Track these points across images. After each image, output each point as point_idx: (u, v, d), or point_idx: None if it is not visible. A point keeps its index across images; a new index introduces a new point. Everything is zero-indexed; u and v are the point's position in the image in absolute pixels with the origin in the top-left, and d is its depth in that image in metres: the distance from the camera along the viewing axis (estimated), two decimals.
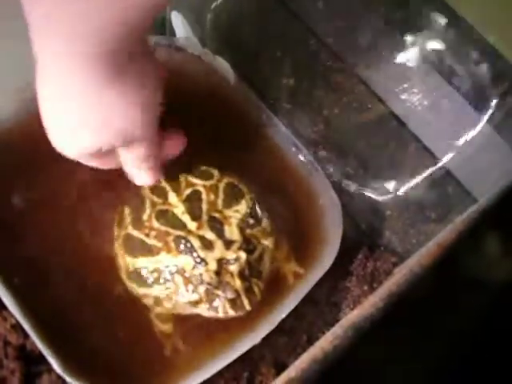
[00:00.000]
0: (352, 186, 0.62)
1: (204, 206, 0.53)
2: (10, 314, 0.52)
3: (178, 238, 0.51)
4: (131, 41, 0.41)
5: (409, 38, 0.58)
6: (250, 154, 0.61)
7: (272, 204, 0.57)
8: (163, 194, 0.55)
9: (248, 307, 0.49)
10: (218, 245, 0.51)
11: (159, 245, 0.52)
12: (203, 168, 0.57)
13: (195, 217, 0.53)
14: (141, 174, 0.52)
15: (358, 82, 0.61)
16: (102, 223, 0.56)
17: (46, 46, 0.41)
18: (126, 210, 0.55)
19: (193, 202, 0.54)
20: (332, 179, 0.61)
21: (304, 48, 0.62)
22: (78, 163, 0.57)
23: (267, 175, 0.60)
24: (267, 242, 0.54)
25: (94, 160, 0.51)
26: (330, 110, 0.62)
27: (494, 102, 0.54)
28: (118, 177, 0.54)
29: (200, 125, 0.60)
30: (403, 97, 0.59)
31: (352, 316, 0.46)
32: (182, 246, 0.51)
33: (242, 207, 0.54)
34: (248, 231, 0.53)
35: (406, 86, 0.58)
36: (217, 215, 0.53)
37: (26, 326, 0.50)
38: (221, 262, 0.50)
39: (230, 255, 0.50)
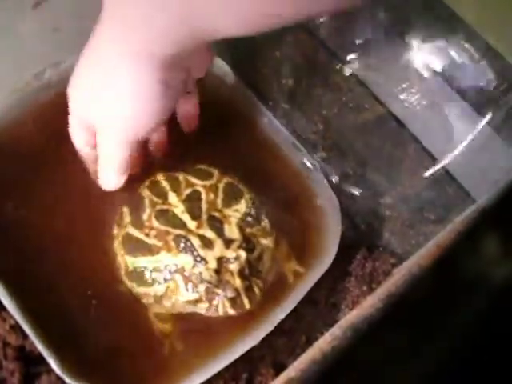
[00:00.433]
0: (351, 187, 0.62)
1: (204, 206, 0.54)
2: (9, 315, 0.51)
3: (177, 237, 0.51)
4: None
5: (408, 39, 0.58)
6: (248, 154, 0.61)
7: (271, 204, 0.57)
8: (163, 194, 0.55)
9: (248, 306, 0.49)
10: (218, 244, 0.51)
11: (159, 244, 0.52)
12: (203, 168, 0.57)
13: (195, 216, 0.53)
14: (106, 176, 0.55)
15: (357, 82, 0.61)
16: (102, 223, 0.56)
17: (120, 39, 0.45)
18: (126, 210, 0.55)
19: (192, 202, 0.54)
20: (331, 179, 0.61)
21: (303, 48, 0.63)
22: (76, 164, 0.57)
23: (266, 175, 0.61)
24: (267, 241, 0.54)
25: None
26: (329, 111, 0.62)
27: (493, 103, 0.54)
28: None
29: (199, 126, 0.60)
30: (402, 97, 0.59)
31: (351, 317, 0.46)
32: (181, 245, 0.51)
33: (242, 206, 0.54)
34: (248, 230, 0.53)
35: (404, 86, 0.59)
36: (216, 214, 0.53)
37: (25, 327, 0.50)
38: (221, 261, 0.50)
39: (230, 254, 0.50)
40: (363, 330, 0.37)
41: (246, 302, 0.49)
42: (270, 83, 0.64)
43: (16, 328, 0.52)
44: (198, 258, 0.50)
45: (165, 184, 0.55)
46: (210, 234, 0.51)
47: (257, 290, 0.50)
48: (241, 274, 0.50)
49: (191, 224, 0.52)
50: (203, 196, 0.54)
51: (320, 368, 0.40)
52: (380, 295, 0.43)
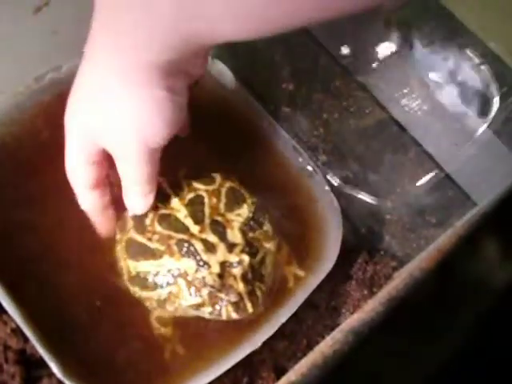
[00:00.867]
0: (352, 191, 0.62)
1: (206, 210, 0.54)
2: (10, 318, 0.51)
3: (180, 242, 0.51)
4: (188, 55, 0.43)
5: (409, 44, 0.58)
6: (250, 159, 0.61)
7: (273, 208, 0.57)
8: (165, 199, 0.55)
9: (251, 310, 0.49)
10: (221, 248, 0.51)
11: (162, 248, 0.52)
12: (205, 173, 0.57)
13: (198, 220, 0.53)
14: (136, 199, 0.52)
15: (358, 86, 0.61)
16: None
17: (111, 45, 0.43)
18: (128, 215, 0.55)
19: (195, 206, 0.54)
20: (332, 183, 0.61)
21: (303, 52, 0.63)
22: None
23: (268, 179, 0.61)
24: (269, 246, 0.54)
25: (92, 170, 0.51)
26: (329, 115, 0.62)
27: (494, 107, 0.54)
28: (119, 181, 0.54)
29: (200, 130, 0.60)
30: (403, 102, 0.59)
31: (352, 320, 0.46)
32: (184, 250, 0.51)
33: (244, 211, 0.54)
34: (250, 235, 0.53)
35: (405, 91, 0.59)
36: (219, 219, 0.53)
37: (26, 331, 0.50)
38: (224, 265, 0.50)
39: (233, 258, 0.50)
40: (364, 333, 0.37)
41: (249, 306, 0.49)
42: (271, 87, 0.64)
43: (17, 331, 0.52)
44: (201, 263, 0.50)
45: (167, 188, 0.55)
46: (212, 238, 0.51)
47: (259, 294, 0.50)
48: (244, 278, 0.50)
49: (194, 228, 0.52)
50: (206, 200, 0.54)
51: (321, 372, 0.40)
52: (381, 299, 0.43)
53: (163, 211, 0.54)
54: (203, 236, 0.51)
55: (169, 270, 0.51)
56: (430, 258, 0.41)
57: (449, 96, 0.57)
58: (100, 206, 0.54)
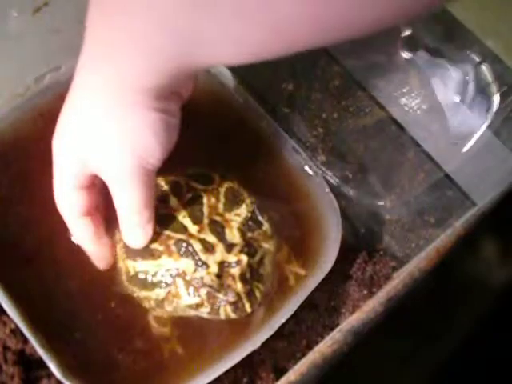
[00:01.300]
0: (351, 191, 0.62)
1: (205, 210, 0.54)
2: (10, 319, 0.51)
3: (179, 242, 0.51)
4: (180, 80, 0.43)
5: (408, 43, 0.58)
6: (249, 159, 0.61)
7: (272, 208, 0.57)
8: (164, 198, 0.55)
9: (249, 310, 0.49)
10: (220, 248, 0.51)
11: (160, 248, 0.52)
12: (203, 172, 0.57)
13: (196, 220, 0.53)
14: (134, 230, 0.51)
15: (357, 86, 0.61)
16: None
17: (103, 69, 0.42)
18: None
19: (194, 206, 0.54)
20: (331, 183, 0.61)
21: (303, 52, 0.63)
22: None
23: (266, 179, 0.60)
24: (268, 246, 0.54)
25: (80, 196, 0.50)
26: (329, 115, 0.62)
27: (493, 107, 0.54)
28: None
29: (199, 130, 0.60)
30: (402, 101, 0.59)
31: (351, 320, 0.46)
32: (183, 250, 0.51)
33: (243, 211, 0.54)
34: (249, 234, 0.53)
35: (404, 90, 0.59)
36: (218, 218, 0.53)
37: (26, 331, 0.50)
38: (222, 265, 0.50)
39: (232, 258, 0.50)
40: (364, 333, 0.37)
41: (247, 306, 0.49)
42: (270, 87, 0.64)
43: (16, 332, 0.52)
44: (200, 263, 0.50)
45: (166, 188, 0.55)
46: (211, 238, 0.51)
47: (258, 294, 0.50)
48: (242, 278, 0.50)
49: (192, 228, 0.52)
50: (204, 200, 0.54)
51: (320, 372, 0.40)
52: (380, 299, 0.43)
53: (162, 211, 0.54)
54: (202, 236, 0.51)
55: (167, 270, 0.51)
56: (428, 259, 0.41)
57: (448, 95, 0.57)
58: (94, 235, 0.52)
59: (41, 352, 0.49)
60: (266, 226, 0.55)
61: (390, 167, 0.60)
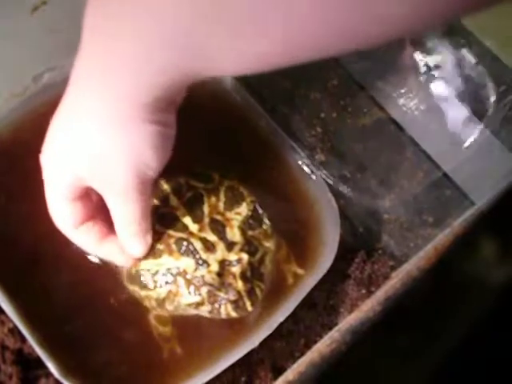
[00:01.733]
0: (349, 190, 0.62)
1: (205, 209, 0.54)
2: (8, 318, 0.51)
3: (179, 240, 0.51)
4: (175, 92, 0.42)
5: (407, 44, 0.58)
6: (248, 158, 0.61)
7: (271, 206, 0.57)
8: (164, 197, 0.55)
9: (250, 309, 0.49)
10: (220, 246, 0.51)
11: (161, 247, 0.52)
12: (203, 171, 0.57)
13: (197, 219, 0.53)
14: (133, 240, 0.50)
15: (356, 86, 0.61)
16: None
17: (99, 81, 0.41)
18: None
19: (194, 205, 0.54)
20: (329, 183, 0.61)
21: None
22: None
23: (265, 178, 0.60)
24: (268, 244, 0.54)
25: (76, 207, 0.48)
26: (327, 114, 0.62)
27: (491, 106, 0.54)
28: None
29: (198, 129, 0.60)
30: (401, 101, 0.59)
31: (350, 320, 0.46)
32: (183, 248, 0.51)
33: (243, 210, 0.54)
34: (249, 233, 0.53)
35: (403, 91, 0.59)
36: (218, 217, 0.53)
37: (24, 330, 0.50)
38: (223, 264, 0.50)
39: (232, 257, 0.50)
40: (362, 332, 0.37)
41: (248, 304, 0.49)
42: (269, 86, 0.64)
43: (14, 331, 0.52)
44: (200, 261, 0.50)
45: (166, 187, 0.55)
46: (211, 237, 0.51)
47: (259, 293, 0.51)
48: (243, 276, 0.50)
49: (193, 227, 0.52)
50: (205, 199, 0.54)
51: (318, 371, 0.40)
52: (379, 298, 0.43)
53: (162, 210, 0.54)
54: (202, 235, 0.52)
55: (168, 269, 0.51)
56: (427, 258, 0.41)
57: (446, 96, 0.57)
58: (97, 240, 0.51)
59: (39, 351, 0.49)
60: (266, 224, 0.55)
61: (389, 167, 0.60)
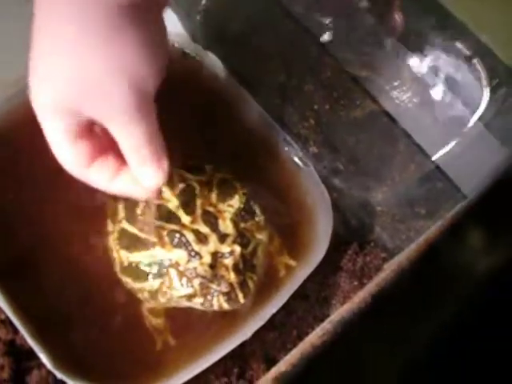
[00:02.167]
0: (342, 182, 0.62)
1: (198, 201, 0.54)
2: (0, 310, 0.51)
3: (172, 232, 0.51)
4: None
5: (401, 36, 0.58)
6: (240, 150, 0.61)
7: (264, 199, 0.57)
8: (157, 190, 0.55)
9: (242, 300, 0.50)
10: (213, 238, 0.51)
11: (154, 239, 0.52)
12: (196, 164, 0.57)
13: (189, 211, 0.53)
14: (146, 168, 0.45)
15: (349, 78, 0.61)
16: (96, 218, 0.56)
17: None
18: (120, 206, 0.55)
19: (187, 197, 0.54)
20: (322, 175, 0.61)
21: (294, 44, 0.63)
22: None
23: (258, 170, 0.60)
24: (261, 236, 0.54)
25: (83, 144, 0.45)
26: (320, 106, 0.62)
27: (484, 100, 0.55)
28: None
29: (191, 121, 0.60)
30: (394, 94, 0.59)
31: (341, 311, 0.46)
32: (176, 240, 0.51)
33: (236, 202, 0.54)
34: (242, 225, 0.53)
35: (396, 83, 0.59)
36: (211, 209, 0.53)
37: (16, 322, 0.50)
38: (215, 256, 0.50)
39: (225, 249, 0.50)
40: (353, 324, 0.37)
41: (240, 296, 0.50)
42: (262, 78, 0.64)
43: (6, 322, 0.52)
44: (193, 253, 0.50)
45: None
46: (204, 229, 0.51)
47: (251, 285, 0.51)
48: (235, 268, 0.50)
49: (185, 219, 0.52)
50: (197, 191, 0.54)
51: (310, 362, 0.40)
52: (370, 289, 0.43)
53: (155, 202, 0.54)
54: (195, 227, 0.52)
55: (160, 261, 0.51)
56: (418, 250, 0.41)
57: (439, 88, 0.57)
58: (112, 175, 0.47)
59: (31, 342, 0.49)
60: (258, 216, 0.55)
61: (381, 159, 0.60)
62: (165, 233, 0.52)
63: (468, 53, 0.55)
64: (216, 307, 0.50)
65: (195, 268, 0.50)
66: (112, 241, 0.54)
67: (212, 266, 0.50)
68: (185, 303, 0.51)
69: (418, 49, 0.57)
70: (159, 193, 0.47)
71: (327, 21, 0.60)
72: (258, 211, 0.55)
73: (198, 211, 0.53)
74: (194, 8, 0.66)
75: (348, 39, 0.61)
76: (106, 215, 0.56)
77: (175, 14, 0.67)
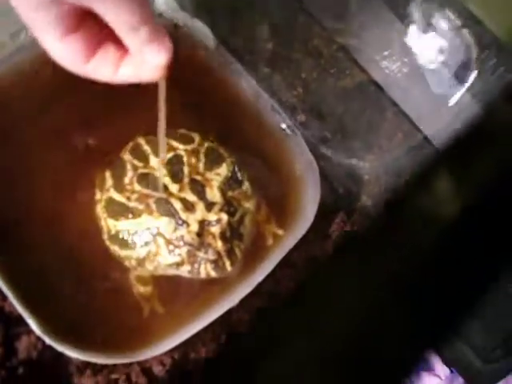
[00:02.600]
0: (330, 151, 0.62)
1: (185, 169, 0.54)
2: None
3: (159, 200, 0.51)
4: None
5: (390, 7, 0.57)
6: (229, 118, 0.61)
7: (252, 167, 0.57)
8: (144, 158, 0.55)
9: (229, 268, 0.50)
10: (200, 207, 0.51)
11: (141, 207, 0.52)
12: (184, 132, 0.57)
13: (177, 179, 0.53)
14: (148, 46, 0.42)
15: (338, 47, 0.61)
16: (85, 187, 0.56)
17: None
18: (108, 174, 0.55)
19: (174, 165, 0.54)
20: (310, 143, 0.61)
21: (283, 12, 0.62)
22: (55, 126, 0.56)
23: (246, 139, 0.60)
24: (248, 205, 0.54)
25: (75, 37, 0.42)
26: (308, 75, 0.62)
27: (473, 71, 0.55)
28: (99, 139, 0.54)
29: (179, 89, 0.60)
30: (383, 64, 0.59)
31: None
32: (163, 208, 0.51)
33: (223, 170, 0.54)
34: (229, 194, 0.53)
35: (386, 53, 0.59)
36: (198, 178, 0.53)
37: (4, 288, 0.50)
38: (202, 224, 0.50)
39: (212, 217, 0.50)
40: (324, 263, 0.36)
41: (227, 264, 0.50)
42: (250, 46, 0.64)
43: None
44: (180, 221, 0.50)
45: (146, 148, 0.55)
46: (191, 197, 0.51)
47: (238, 253, 0.51)
48: (222, 236, 0.50)
49: (173, 187, 0.52)
50: (185, 160, 0.54)
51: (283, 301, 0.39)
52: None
53: (142, 170, 0.54)
54: (182, 195, 0.52)
55: (147, 229, 0.51)
56: (385, 200, 0.41)
57: (429, 59, 0.57)
58: (115, 63, 0.44)
59: (20, 309, 0.49)
60: (246, 185, 0.55)
61: (369, 128, 0.61)
62: (152, 201, 0.52)
63: (458, 23, 0.55)
64: (203, 275, 0.50)
65: (182, 236, 0.50)
66: (100, 209, 0.54)
67: (199, 234, 0.50)
68: (172, 271, 0.52)
69: (408, 19, 0.57)
70: (167, 69, 0.44)
71: None
72: (245, 180, 0.55)
73: (186, 180, 0.53)
74: None
75: (338, 8, 0.60)
76: (95, 185, 0.56)
77: None
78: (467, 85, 0.55)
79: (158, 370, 0.53)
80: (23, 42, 0.59)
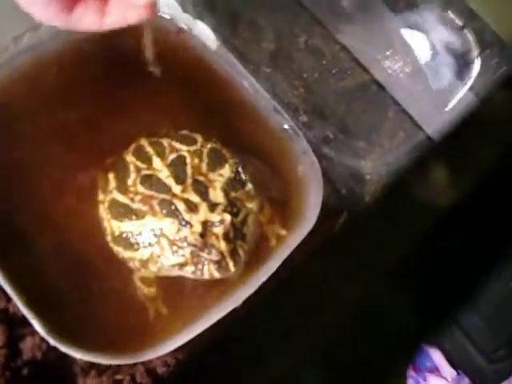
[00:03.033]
0: (332, 151, 0.62)
1: (188, 170, 0.54)
2: None
3: (162, 202, 0.51)
4: None
5: (392, 7, 0.57)
6: (231, 119, 0.61)
7: (254, 168, 0.57)
8: (147, 159, 0.55)
9: (233, 269, 0.50)
10: (203, 207, 0.51)
11: (144, 209, 0.52)
12: (187, 133, 0.57)
13: (180, 180, 0.53)
14: None
15: (340, 47, 0.61)
16: (88, 189, 0.56)
17: None
18: (111, 176, 0.55)
19: (177, 166, 0.54)
20: (312, 144, 0.61)
21: (285, 12, 0.62)
22: (58, 128, 0.56)
23: (249, 140, 0.60)
24: (251, 205, 0.54)
25: None
26: (310, 75, 0.62)
27: (475, 70, 0.55)
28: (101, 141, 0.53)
29: (182, 90, 0.60)
30: (385, 64, 0.59)
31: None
32: (166, 210, 0.51)
33: (226, 171, 0.54)
34: (232, 194, 0.53)
35: (388, 53, 0.59)
36: (201, 179, 0.53)
37: (8, 290, 0.50)
38: (205, 225, 0.50)
39: (215, 217, 0.51)
40: (321, 250, 0.36)
41: (231, 264, 0.50)
42: (252, 47, 0.64)
43: None
44: (183, 222, 0.50)
45: (149, 149, 0.55)
46: (194, 198, 0.52)
47: (241, 253, 0.51)
48: (226, 237, 0.50)
49: (176, 188, 0.52)
50: (188, 161, 0.54)
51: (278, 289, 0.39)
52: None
53: (145, 172, 0.54)
54: (185, 196, 0.52)
55: (151, 230, 0.51)
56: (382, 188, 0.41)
57: (431, 59, 0.57)
58: (100, 13, 0.43)
59: (24, 310, 0.49)
60: (249, 186, 0.55)
61: (371, 127, 0.61)
62: (155, 202, 0.52)
63: (460, 23, 0.55)
64: (207, 275, 0.50)
65: (186, 237, 0.50)
66: (103, 210, 0.54)
67: (202, 235, 0.50)
68: (176, 272, 0.52)
69: (410, 19, 0.57)
70: (155, 6, 0.43)
71: None
72: (248, 180, 0.55)
73: (189, 180, 0.53)
74: None
75: (340, 8, 0.60)
76: (98, 186, 0.56)
77: None
78: (469, 84, 0.55)
79: (162, 370, 0.53)
80: (25, 45, 0.59)
